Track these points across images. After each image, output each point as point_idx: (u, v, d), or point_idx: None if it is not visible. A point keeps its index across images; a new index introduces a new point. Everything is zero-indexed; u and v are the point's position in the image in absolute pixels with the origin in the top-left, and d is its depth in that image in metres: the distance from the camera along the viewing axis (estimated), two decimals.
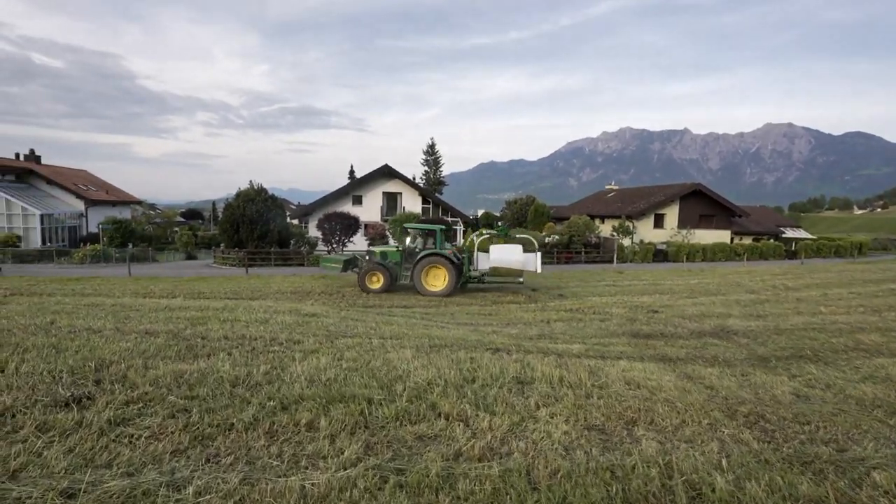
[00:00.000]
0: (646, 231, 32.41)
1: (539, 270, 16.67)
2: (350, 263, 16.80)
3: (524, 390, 4.06)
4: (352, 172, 70.95)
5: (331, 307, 10.80)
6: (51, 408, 2.84)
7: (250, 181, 27.44)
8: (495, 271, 15.94)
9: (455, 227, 31.77)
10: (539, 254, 16.68)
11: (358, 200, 35.01)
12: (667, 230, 32.72)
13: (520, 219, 41.15)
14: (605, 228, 34.78)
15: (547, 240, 28.87)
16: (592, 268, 26.12)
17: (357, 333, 6.20)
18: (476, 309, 13.91)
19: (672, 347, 7.86)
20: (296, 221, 34.80)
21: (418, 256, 15.41)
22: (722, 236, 32.55)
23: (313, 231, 33.14)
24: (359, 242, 29.08)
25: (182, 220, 68.85)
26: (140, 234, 34.43)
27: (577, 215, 31.76)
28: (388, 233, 27.85)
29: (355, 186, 35.67)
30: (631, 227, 30.77)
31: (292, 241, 29.39)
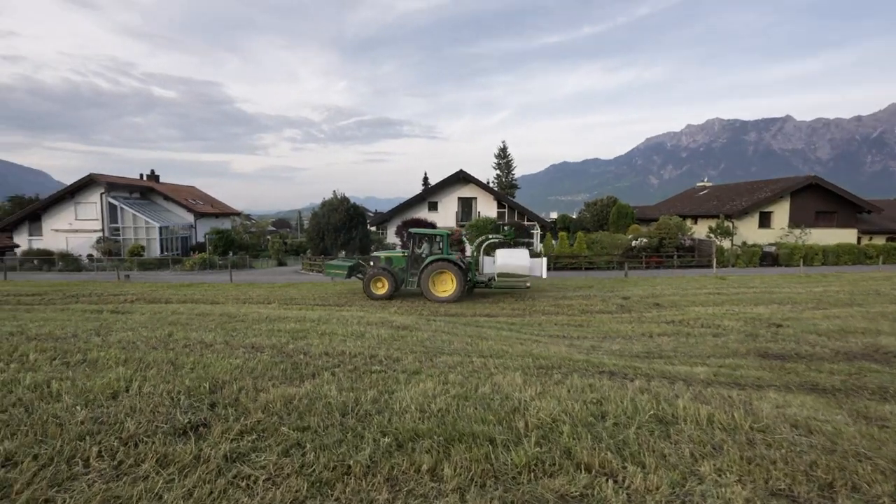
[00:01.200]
0: (749, 231, 29.01)
1: (545, 276, 16.18)
2: (354, 269, 16.59)
3: (668, 433, 3.36)
4: (426, 179, 72.28)
5: (417, 317, 10.61)
6: (170, 436, 2.72)
7: (333, 191, 28.69)
8: (502, 276, 15.45)
9: (532, 231, 30.73)
10: (545, 259, 16.26)
11: (433, 206, 35.24)
12: (774, 230, 29.02)
13: (601, 221, 38.99)
14: (699, 229, 31.71)
15: (634, 243, 26.87)
16: (687, 273, 23.81)
17: (454, 350, 5.81)
18: (564, 319, 13.06)
19: (819, 373, 6.56)
20: (373, 228, 35.89)
21: (425, 262, 15.07)
22: (845, 236, 28.18)
23: (391, 238, 33.92)
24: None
25: (273, 229, 74.65)
26: (238, 242, 37.53)
27: (667, 215, 29.24)
28: (464, 238, 27.61)
29: (430, 193, 35.97)
30: (731, 228, 27.68)
31: (372, 248, 30.28)
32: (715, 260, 24.28)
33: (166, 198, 39.30)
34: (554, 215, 48.66)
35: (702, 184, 42.90)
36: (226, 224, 45.17)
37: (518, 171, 75.42)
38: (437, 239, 15.86)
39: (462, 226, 32.34)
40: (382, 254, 16.86)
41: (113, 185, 34.83)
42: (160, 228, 34.60)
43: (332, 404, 3.41)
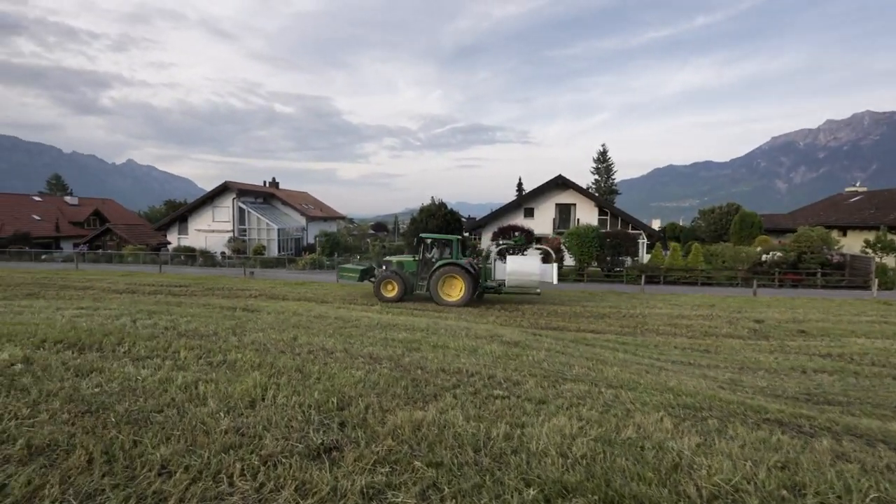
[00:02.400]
0: None
1: (556, 282, 15.87)
2: (367, 273, 16.75)
3: None
4: (520, 185, 71.15)
5: (522, 332, 10.08)
6: (306, 459, 2.60)
7: (432, 197, 29.31)
8: (513, 282, 15.34)
9: (639, 241, 28.37)
10: (555, 265, 15.97)
11: (529, 213, 34.36)
12: None
13: (718, 231, 34.87)
14: (850, 243, 26.72)
15: (764, 257, 23.44)
16: (835, 295, 20.10)
17: (577, 377, 5.23)
18: (685, 342, 11.62)
19: None
20: (466, 234, 35.99)
21: (435, 266, 15.09)
22: None
23: (486, 243, 33.68)
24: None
25: (372, 232, 79.02)
26: (343, 244, 40.12)
27: (807, 226, 25.11)
28: (563, 246, 26.36)
29: (527, 199, 35.11)
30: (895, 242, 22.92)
31: (467, 254, 30.29)
32: (875, 281, 20.16)
33: (284, 202, 43.44)
34: (656, 223, 44.68)
35: (852, 189, 36.35)
36: (332, 227, 48.70)
37: (617, 176, 70.98)
38: (447, 244, 15.98)
39: (560, 233, 31.01)
40: (395, 258, 17.09)
41: (242, 192, 39.33)
42: (278, 230, 38.29)
43: (461, 435, 3.10)
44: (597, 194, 49.78)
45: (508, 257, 15.95)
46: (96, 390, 3.29)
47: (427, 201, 30.35)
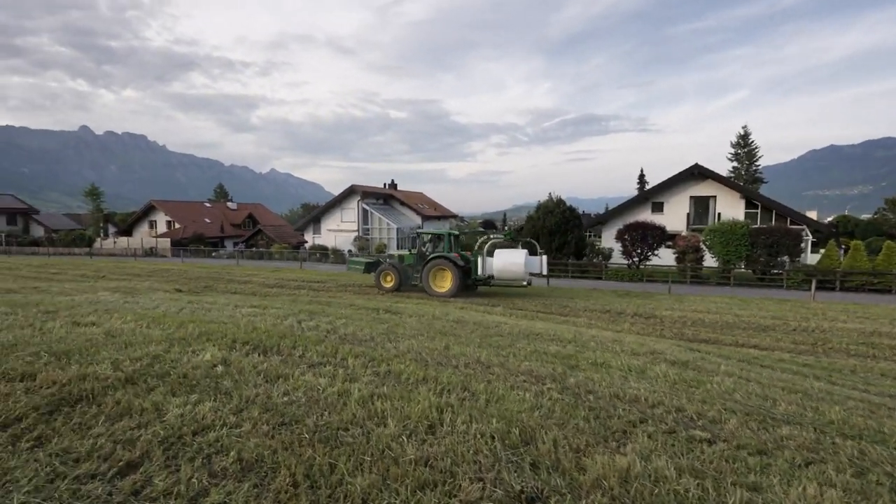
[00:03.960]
0: None
1: (545, 272, 16.87)
2: (373, 266, 17.82)
3: None
4: (642, 176, 65.34)
5: (673, 344, 8.83)
6: None
7: (549, 194, 28.12)
8: (501, 275, 16.17)
9: (805, 238, 23.80)
10: (544, 257, 16.81)
11: (657, 208, 31.14)
12: None
13: None
14: None
15: None
16: None
17: (789, 416, 4.17)
18: (826, 361, 9.28)
19: None
20: (585, 233, 33.89)
21: (427, 259, 16.22)
22: None
23: (606, 241, 31.38)
24: (665, 256, 25.48)
25: (481, 229, 79.59)
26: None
27: None
28: (703, 245, 23.25)
29: (654, 192, 31.87)
30: None
31: (586, 251, 28.52)
32: None
33: (401, 203, 45.66)
34: (812, 215, 37.08)
35: None
36: (445, 225, 49.89)
37: (761, 162, 61.50)
38: (440, 239, 17.02)
39: (696, 230, 27.53)
40: (396, 252, 19.28)
41: (366, 194, 42.25)
42: (397, 229, 40.35)
43: (684, 498, 2.48)
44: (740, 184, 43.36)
45: (496, 251, 16.63)
46: (285, 399, 3.36)
47: (539, 198, 29.28)
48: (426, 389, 3.74)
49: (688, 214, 29.86)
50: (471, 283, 16.82)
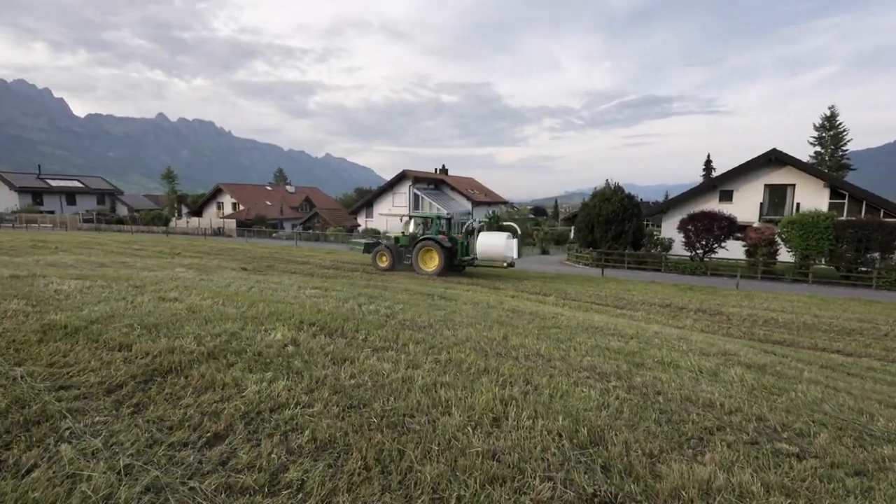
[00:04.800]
0: None
1: (516, 256, 17.47)
2: (371, 246, 19.00)
3: None
4: (708, 163, 61.00)
5: (745, 344, 8.24)
6: None
7: (606, 181, 26.97)
8: (483, 255, 17.26)
9: None
10: (515, 240, 17.63)
11: (726, 196, 29.03)
12: None
13: None
14: None
15: None
16: None
17: (890, 434, 3.76)
18: None
19: None
20: (645, 222, 32.25)
21: (416, 241, 17.41)
22: None
23: (667, 231, 29.79)
24: (732, 249, 23.82)
25: (531, 216, 78.00)
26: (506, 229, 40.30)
27: None
28: (778, 238, 21.44)
29: (722, 180, 29.69)
30: None
31: (643, 242, 27.22)
32: None
33: (452, 188, 45.63)
34: None
35: None
36: (495, 211, 49.40)
37: (849, 146, 55.64)
38: (430, 222, 18.08)
39: (770, 221, 25.44)
40: (392, 234, 19.96)
41: (417, 179, 42.58)
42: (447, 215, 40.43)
43: None
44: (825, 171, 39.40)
45: (480, 234, 17.65)
46: (352, 382, 3.45)
47: (593, 184, 28.18)
48: (488, 380, 3.71)
49: (761, 204, 27.58)
50: (457, 264, 17.83)
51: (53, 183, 56.36)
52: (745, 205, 27.80)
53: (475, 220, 19.39)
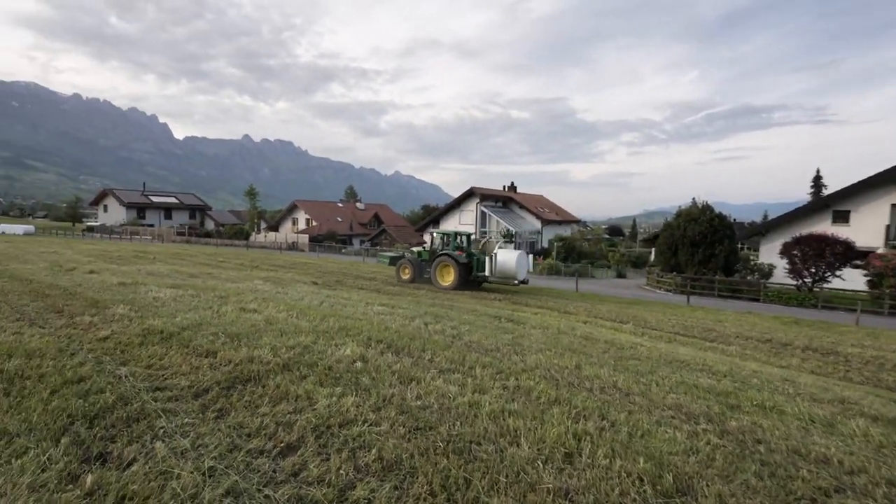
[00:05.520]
0: None
1: (524, 276, 18.49)
2: (396, 259, 20.41)
3: None
4: (818, 178, 55.04)
5: (861, 389, 7.20)
6: None
7: (693, 199, 25.31)
8: (497, 272, 17.99)
9: None
10: (531, 256, 20.22)
11: (841, 217, 25.97)
12: None
13: None
14: None
15: None
16: None
17: None
18: None
19: None
20: (739, 245, 29.63)
21: (435, 256, 18.64)
22: None
23: (766, 256, 27.22)
24: (851, 278, 21.14)
25: (606, 236, 74.88)
26: (578, 250, 39.06)
27: None
28: None
29: (836, 198, 26.62)
30: None
31: (736, 268, 25.01)
32: None
33: (520, 206, 45.30)
34: None
35: None
36: (566, 231, 48.18)
37: None
38: (447, 238, 19.34)
39: None
40: (416, 249, 20.94)
41: (484, 196, 42.83)
42: (515, 233, 40.07)
43: None
44: None
45: (497, 251, 18.28)
46: (419, 403, 3.51)
47: (677, 202, 26.50)
48: (559, 412, 3.58)
49: (887, 227, 24.25)
50: (472, 279, 18.79)
51: (155, 199, 64.26)
52: (866, 227, 24.61)
53: (491, 236, 20.79)
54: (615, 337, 8.24)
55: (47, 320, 5.45)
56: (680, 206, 26.23)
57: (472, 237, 19.54)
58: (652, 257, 38.20)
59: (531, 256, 19.00)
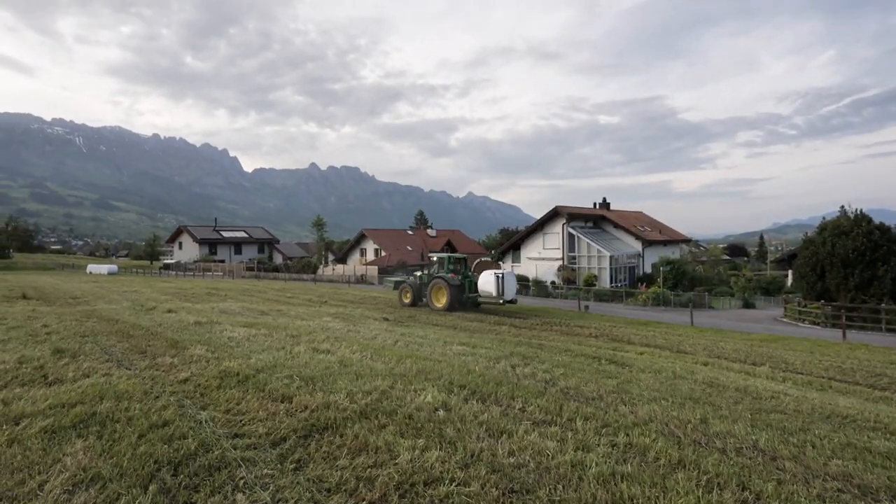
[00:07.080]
0: None
1: (510, 296, 21.01)
2: (399, 284, 22.99)
3: None
4: None
5: None
6: None
7: (841, 207, 22.78)
8: (481, 292, 20.92)
9: None
10: (513, 279, 22.00)
11: None
12: None
13: None
14: None
15: None
16: None
17: None
18: None
19: None
20: None
21: (430, 279, 21.35)
22: None
23: None
24: None
25: (726, 257, 69.32)
26: (691, 275, 36.56)
27: None
28: None
29: None
30: None
31: None
32: None
33: (615, 225, 43.68)
34: None
35: None
36: (674, 252, 45.46)
37: None
38: (440, 261, 22.16)
39: None
40: (418, 273, 23.31)
41: (572, 216, 41.93)
42: (610, 257, 38.58)
43: None
44: None
45: (482, 273, 21.02)
46: (512, 460, 3.43)
47: (818, 212, 24.00)
48: (685, 478, 3.30)
49: None
50: (465, 300, 20.98)
51: (225, 234, 71.07)
52: None
53: (481, 259, 22.56)
54: (748, 383, 7.48)
55: (132, 361, 6.15)
56: (823, 217, 23.68)
57: (465, 259, 23.23)
58: (789, 282, 34.66)
59: (513, 279, 21.66)
